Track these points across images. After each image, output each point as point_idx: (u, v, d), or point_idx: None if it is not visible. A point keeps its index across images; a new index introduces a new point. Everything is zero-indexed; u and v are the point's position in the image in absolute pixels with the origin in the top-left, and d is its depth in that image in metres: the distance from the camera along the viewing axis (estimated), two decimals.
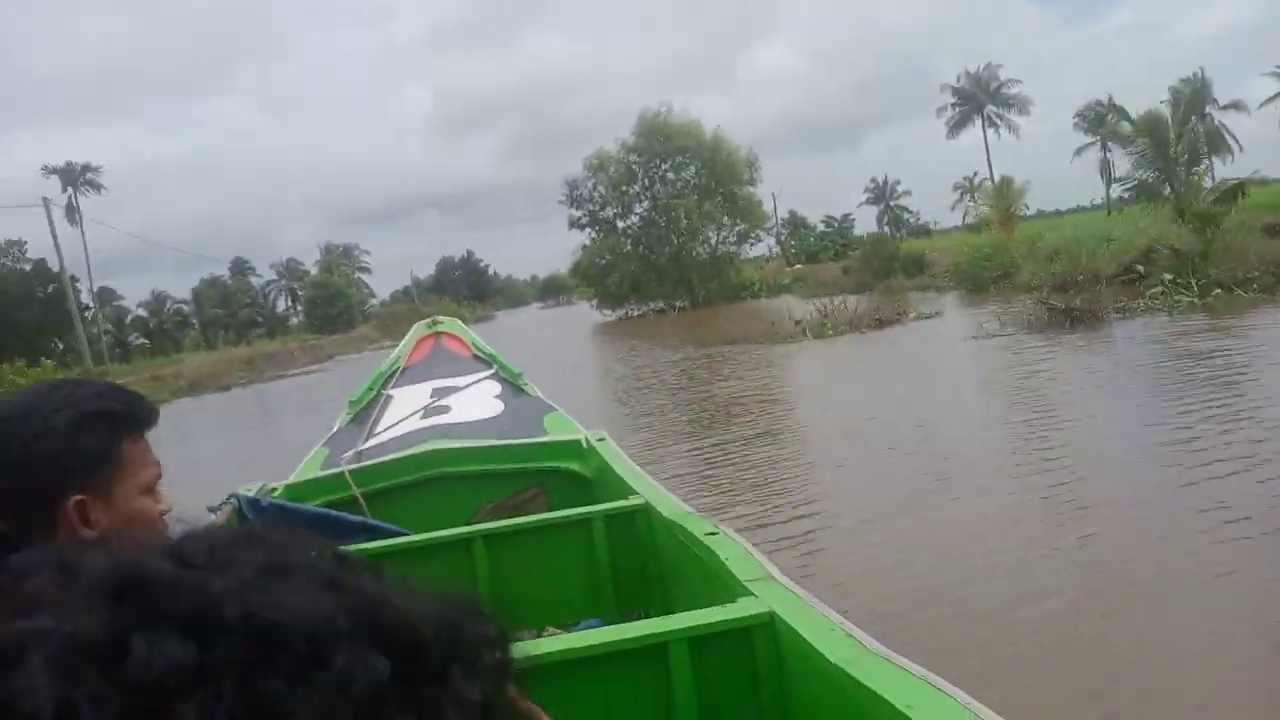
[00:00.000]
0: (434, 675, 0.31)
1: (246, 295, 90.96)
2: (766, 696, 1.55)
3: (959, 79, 70.78)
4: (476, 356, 4.44)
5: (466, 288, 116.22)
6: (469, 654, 0.33)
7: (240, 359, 41.47)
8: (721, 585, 1.78)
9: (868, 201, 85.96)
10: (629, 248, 45.77)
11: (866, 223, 78.49)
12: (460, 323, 5.03)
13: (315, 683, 0.28)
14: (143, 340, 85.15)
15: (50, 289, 43.51)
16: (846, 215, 75.22)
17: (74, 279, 43.85)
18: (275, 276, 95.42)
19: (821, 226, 70.94)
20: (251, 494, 2.85)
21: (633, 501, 2.61)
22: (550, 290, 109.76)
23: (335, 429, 4.00)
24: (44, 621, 0.28)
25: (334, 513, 2.94)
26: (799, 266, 55.35)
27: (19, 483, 1.22)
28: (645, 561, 2.56)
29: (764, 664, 1.55)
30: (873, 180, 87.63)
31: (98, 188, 57.64)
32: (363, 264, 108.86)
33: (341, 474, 3.24)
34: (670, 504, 2.45)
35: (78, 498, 1.23)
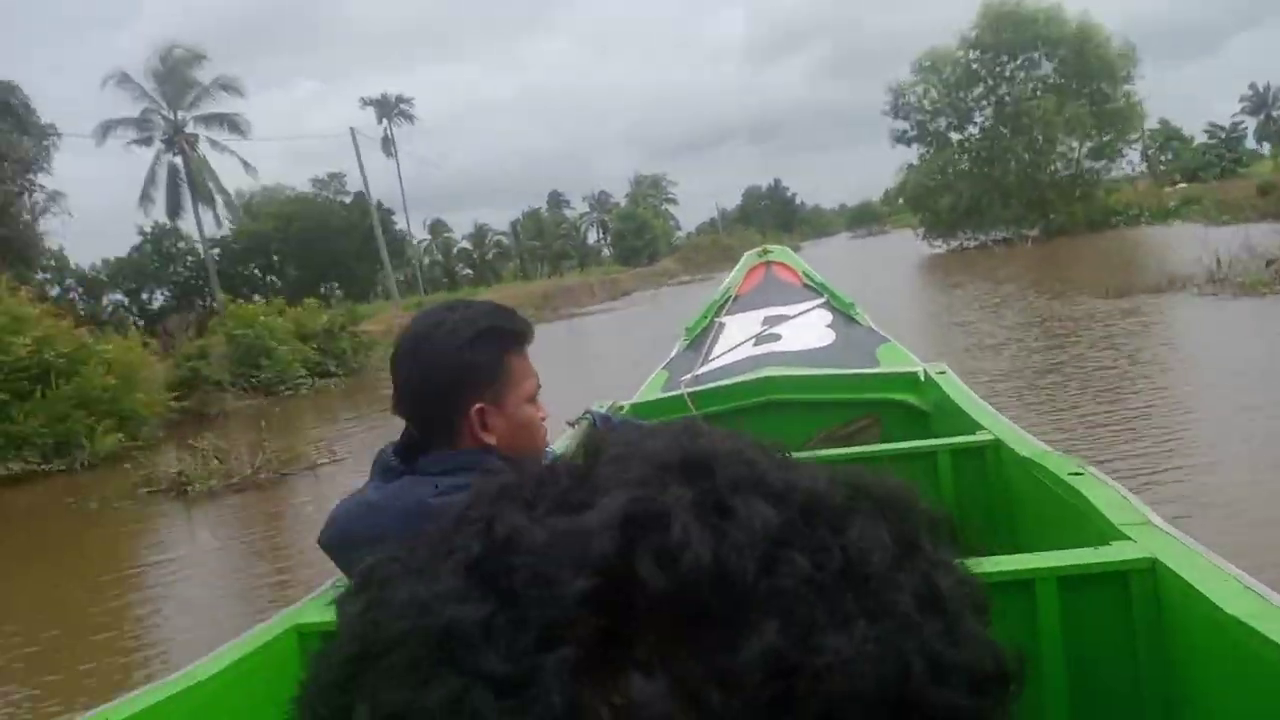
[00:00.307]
0: (914, 542, 0.32)
1: (560, 228, 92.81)
2: (1145, 646, 1.46)
3: None
4: (807, 285, 4.44)
5: (772, 218, 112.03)
6: (934, 524, 0.34)
7: (535, 294, 40.11)
8: (1090, 528, 1.67)
9: (1243, 112, 70.34)
10: (965, 165, 38.10)
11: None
12: (790, 251, 4.96)
13: (849, 543, 0.30)
14: (467, 271, 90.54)
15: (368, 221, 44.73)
16: (1237, 124, 61.65)
17: (388, 210, 44.71)
18: (588, 209, 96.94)
19: (1204, 138, 58.51)
20: (603, 411, 2.86)
21: (981, 436, 2.48)
22: (861, 219, 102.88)
23: (673, 353, 4.18)
24: (654, 490, 0.30)
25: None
26: (1182, 186, 45.16)
27: (429, 392, 1.39)
28: (994, 500, 2.41)
29: (1142, 612, 1.45)
30: (1251, 87, 70.56)
31: (410, 118, 58.17)
32: (670, 195, 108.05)
33: (681, 396, 3.37)
34: (1025, 441, 2.30)
35: (478, 405, 1.38)
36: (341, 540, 1.45)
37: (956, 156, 38.55)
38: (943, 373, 3.22)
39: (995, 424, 2.54)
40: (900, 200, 40.53)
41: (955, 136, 39.40)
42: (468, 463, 1.37)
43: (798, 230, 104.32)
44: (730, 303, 4.40)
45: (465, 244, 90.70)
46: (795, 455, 1.13)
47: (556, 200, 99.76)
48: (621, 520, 0.29)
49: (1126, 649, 1.46)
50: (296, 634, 1.52)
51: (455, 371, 1.38)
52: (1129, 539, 1.52)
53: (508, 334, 1.43)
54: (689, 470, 0.31)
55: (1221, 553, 1.37)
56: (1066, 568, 1.48)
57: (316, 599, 1.64)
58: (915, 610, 0.30)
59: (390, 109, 55.56)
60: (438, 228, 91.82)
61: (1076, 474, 1.88)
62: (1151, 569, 1.43)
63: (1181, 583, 1.34)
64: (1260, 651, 1.14)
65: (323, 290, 43.57)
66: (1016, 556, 1.58)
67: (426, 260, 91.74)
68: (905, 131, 39.83)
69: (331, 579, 1.64)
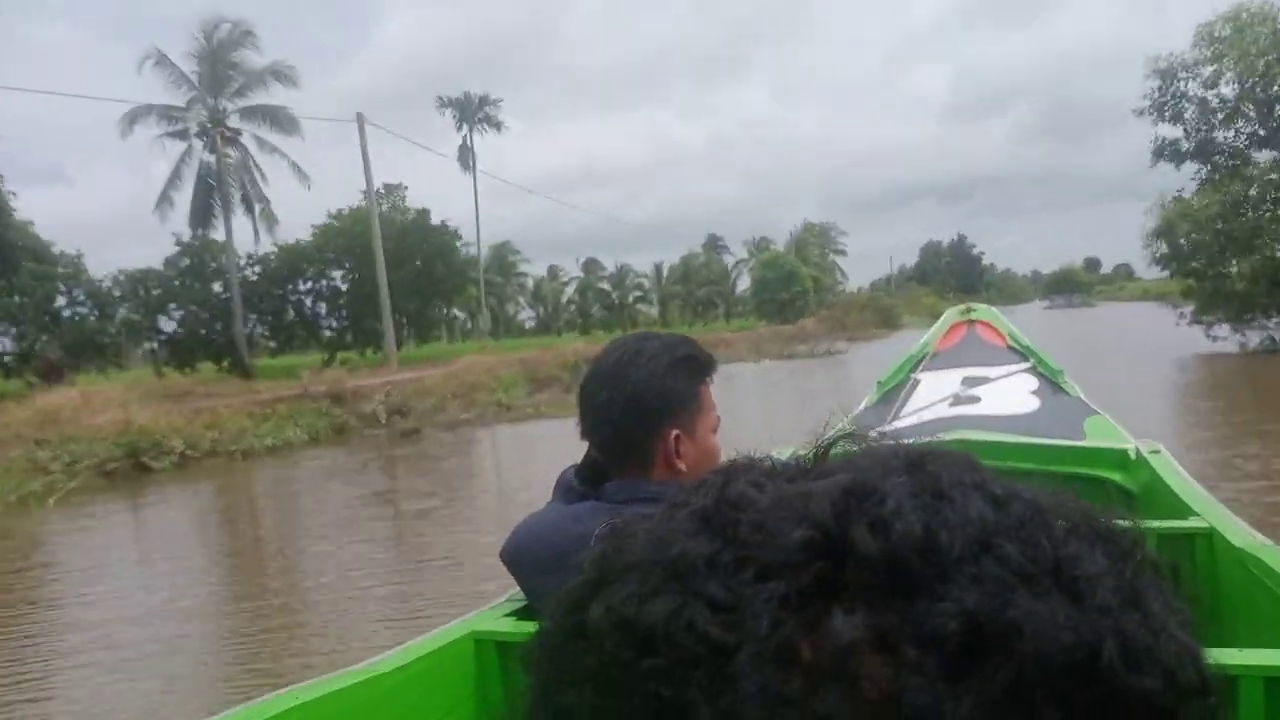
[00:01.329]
0: (1129, 565, 0.33)
1: (709, 273, 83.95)
2: None
3: None
4: (1012, 348, 4.13)
5: (954, 278, 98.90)
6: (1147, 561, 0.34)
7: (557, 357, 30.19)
8: None
9: None
10: (1269, 204, 22.09)
11: None
12: (995, 311, 4.53)
13: (1063, 555, 0.31)
14: (605, 312, 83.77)
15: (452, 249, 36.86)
16: None
17: (453, 232, 36.71)
18: (746, 256, 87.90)
19: None
20: (784, 459, 1.42)
21: (1193, 523, 2.29)
22: (1059, 286, 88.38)
23: (861, 407, 3.95)
24: (875, 474, 0.33)
25: None
26: None
27: (630, 416, 1.40)
28: (1201, 591, 2.23)
29: None
30: None
31: (497, 126, 47.60)
32: (840, 246, 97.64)
33: None
34: (1241, 531, 2.15)
35: (676, 432, 1.41)
36: (519, 556, 1.51)
37: (1255, 186, 22.33)
38: (1156, 452, 2.99)
39: (1210, 511, 2.36)
40: (1158, 252, 24.32)
41: (1259, 156, 23.01)
42: (655, 494, 1.30)
43: (983, 294, 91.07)
44: (928, 359, 4.17)
45: (605, 285, 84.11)
46: None
47: (714, 244, 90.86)
48: (841, 491, 0.32)
49: None
50: (473, 640, 1.55)
51: (658, 397, 1.41)
52: None
53: (702, 363, 1.47)
54: (912, 465, 0.34)
55: None
56: (1275, 667, 1.40)
57: (494, 609, 1.66)
58: (1115, 601, 0.30)
59: (472, 111, 45.83)
60: (590, 266, 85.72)
61: None
62: None
63: None
64: None
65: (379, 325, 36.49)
66: (1222, 650, 1.45)
67: (563, 298, 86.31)
68: (1176, 143, 23.87)
69: (509, 591, 1.67)
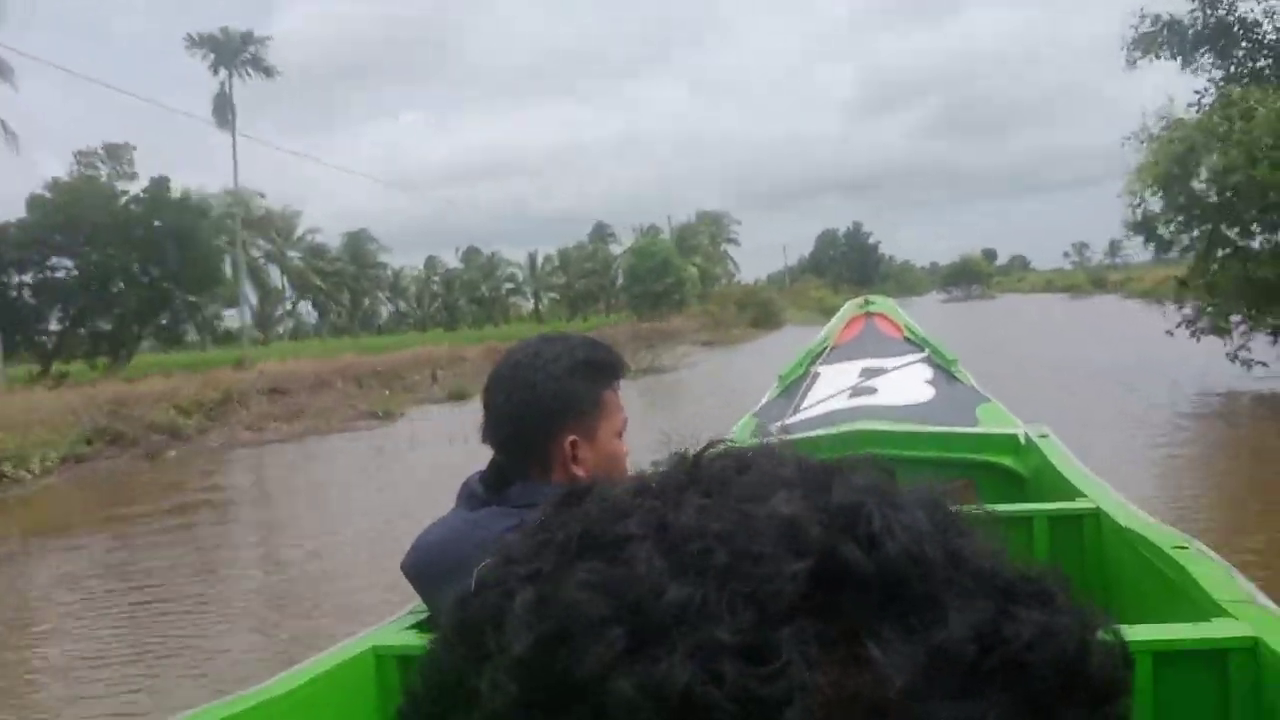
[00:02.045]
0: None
1: (591, 263, 76.45)
2: None
3: None
4: (908, 339, 4.32)
5: (849, 268, 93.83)
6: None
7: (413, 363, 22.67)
8: (1190, 604, 1.64)
9: None
10: None
11: None
12: (893, 303, 4.79)
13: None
14: (474, 306, 75.92)
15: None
16: None
17: (205, 211, 28.01)
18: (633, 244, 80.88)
19: None
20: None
21: (1080, 504, 2.37)
22: (960, 276, 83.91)
23: (764, 401, 4.08)
24: (839, 491, 0.32)
25: None
26: None
27: (527, 420, 1.39)
28: (1089, 571, 2.32)
29: (1241, 693, 1.41)
30: None
31: (266, 71, 35.91)
32: (733, 235, 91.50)
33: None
34: (1128, 512, 2.20)
35: (572, 437, 1.38)
36: (420, 566, 1.48)
37: None
38: (1045, 436, 3.10)
39: (1097, 492, 2.44)
40: (1142, 200, 13.43)
41: None
42: None
43: (880, 286, 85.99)
44: (827, 352, 4.32)
45: (472, 276, 75.96)
46: None
47: (601, 233, 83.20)
48: (821, 509, 0.30)
49: None
50: (374, 656, 1.50)
51: (554, 401, 1.39)
52: (1231, 616, 1.48)
53: (605, 367, 1.45)
54: (831, 476, 0.33)
55: None
56: (1162, 643, 1.45)
57: (395, 622, 1.61)
58: (1068, 601, 0.31)
59: (231, 52, 35.02)
60: (431, 264, 77.29)
61: (1181, 547, 1.85)
62: (1254, 649, 1.41)
63: None
64: None
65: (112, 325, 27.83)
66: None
67: (429, 291, 78.03)
68: (1177, 24, 14.56)
69: (410, 604, 1.63)
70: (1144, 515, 2.15)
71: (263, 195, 60.74)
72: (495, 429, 1.43)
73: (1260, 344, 12.65)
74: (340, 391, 19.44)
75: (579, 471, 1.38)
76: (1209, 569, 1.68)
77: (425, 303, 77.66)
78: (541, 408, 1.38)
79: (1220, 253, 12.99)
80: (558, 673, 0.28)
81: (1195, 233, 12.98)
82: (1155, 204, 13.25)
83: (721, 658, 0.27)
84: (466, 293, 76.13)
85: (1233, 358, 12.72)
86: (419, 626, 1.56)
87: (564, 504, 0.34)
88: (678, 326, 39.06)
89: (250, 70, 35.27)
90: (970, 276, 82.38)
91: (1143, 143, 13.56)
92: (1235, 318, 12.72)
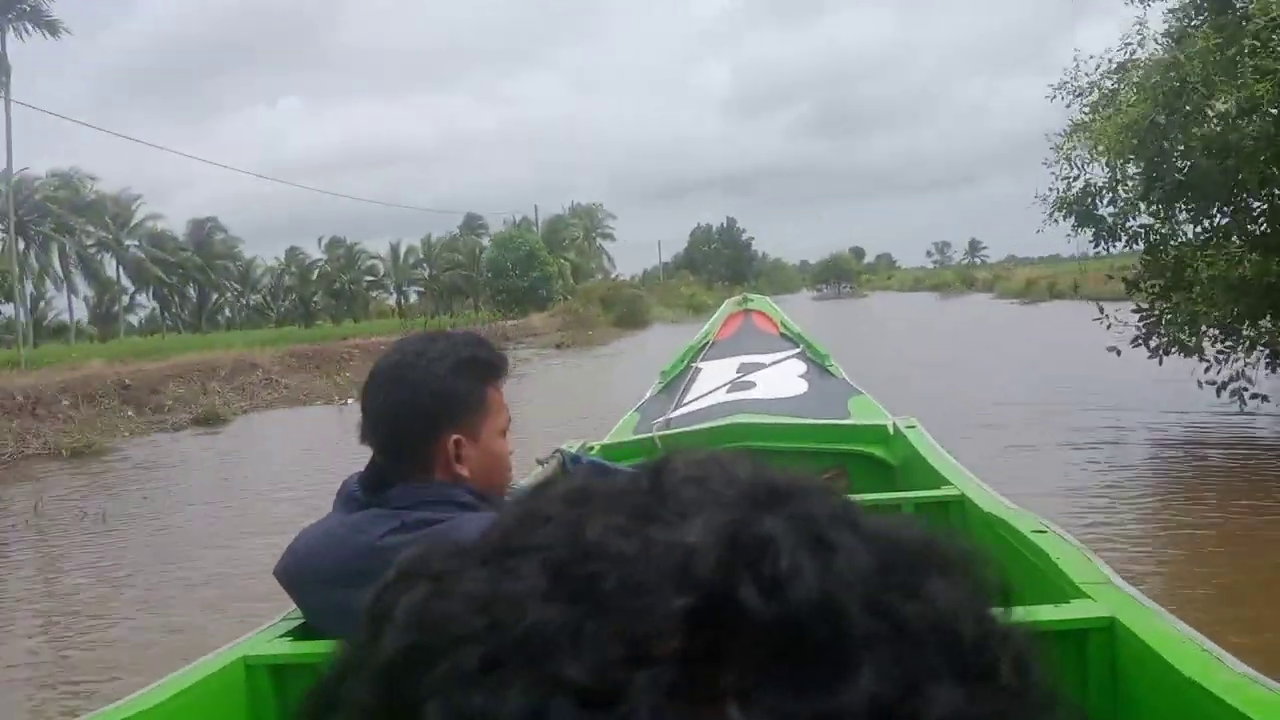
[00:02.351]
0: (990, 607, 0.31)
1: (458, 255, 73.05)
2: (1100, 706, 1.49)
3: None
4: (784, 335, 4.48)
5: (723, 266, 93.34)
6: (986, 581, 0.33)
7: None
8: (1049, 586, 1.69)
9: None
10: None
11: None
12: (769, 300, 5.01)
13: (924, 591, 0.28)
14: (330, 299, 71.39)
15: None
16: None
17: None
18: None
19: None
20: (574, 450, 2.89)
21: (946, 491, 2.50)
22: (830, 273, 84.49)
23: (647, 396, 4.16)
24: (769, 518, 0.28)
25: None
26: None
27: (407, 419, 1.36)
28: None
29: (1099, 671, 1.48)
30: None
31: (51, 28, 30.67)
32: (608, 229, 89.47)
33: (651, 438, 3.39)
34: (989, 497, 2.34)
35: (455, 436, 1.37)
36: (297, 571, 1.45)
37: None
38: (912, 426, 3.24)
39: (961, 479, 2.56)
40: (1080, 172, 9.81)
41: None
42: (438, 496, 1.36)
43: (753, 283, 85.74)
44: (707, 348, 4.43)
45: (330, 268, 71.39)
46: None
47: (472, 225, 79.63)
48: (726, 541, 0.27)
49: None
50: (244, 666, 1.46)
51: (436, 400, 1.36)
52: (1089, 598, 1.53)
53: (488, 365, 1.43)
54: (777, 498, 0.30)
55: None
56: (1025, 625, 1.14)
57: (267, 630, 1.56)
58: (1014, 675, 0.29)
59: (4, 7, 29.72)
60: (291, 255, 72.30)
61: (1039, 531, 1.91)
62: (1110, 628, 1.45)
63: (1139, 643, 1.37)
64: (1214, 715, 1.16)
65: None
66: None
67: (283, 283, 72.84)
68: None
69: (283, 611, 1.59)
70: (1005, 501, 2.26)
71: (94, 179, 55.05)
72: (375, 429, 1.39)
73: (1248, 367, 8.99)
74: (51, 415, 14.56)
75: (462, 471, 1.37)
76: (1067, 552, 1.75)
77: (279, 296, 72.76)
78: (424, 407, 1.36)
79: (1202, 238, 9.10)
80: (409, 686, 0.27)
81: (1152, 210, 9.47)
82: (1097, 174, 9.65)
83: (557, 695, 0.25)
84: (324, 286, 71.54)
85: (1221, 388, 8.98)
86: (292, 635, 1.51)
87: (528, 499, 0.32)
88: (536, 325, 36.55)
89: (29, 27, 30.59)
90: (840, 274, 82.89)
91: (1077, 96, 9.80)
92: (1215, 331, 8.96)
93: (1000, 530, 2.04)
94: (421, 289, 74.03)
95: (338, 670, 0.29)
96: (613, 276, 78.11)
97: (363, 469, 1.44)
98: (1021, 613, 0.88)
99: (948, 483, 2.52)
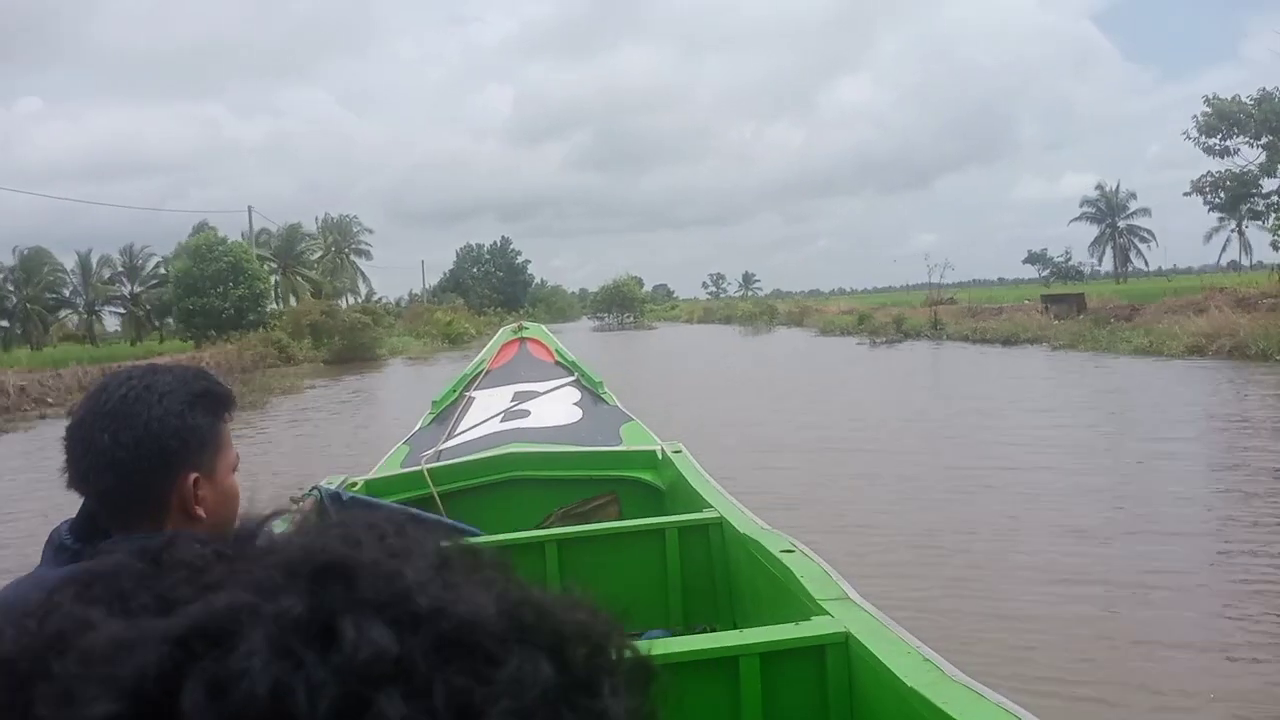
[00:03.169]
0: (585, 683, 0.29)
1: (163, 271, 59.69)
2: (837, 717, 1.52)
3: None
4: (559, 363, 4.46)
5: (495, 289, 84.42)
6: (616, 663, 0.30)
7: None
8: (795, 603, 1.76)
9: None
10: None
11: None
12: (544, 329, 4.97)
13: (496, 682, 0.26)
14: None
15: None
16: None
17: None
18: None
19: None
20: (333, 487, 2.91)
21: (706, 515, 2.64)
22: (611, 301, 77.46)
23: (417, 428, 4.11)
24: (249, 597, 0.25)
25: (411, 509, 2.88)
26: None
27: (140, 461, 1.24)
28: (716, 575, 2.58)
29: (836, 684, 1.52)
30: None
31: None
32: (363, 245, 78.46)
33: (420, 472, 3.34)
34: (745, 519, 2.48)
35: (194, 475, 1.27)
36: None
37: None
38: (678, 451, 3.33)
39: (721, 502, 2.69)
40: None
41: None
42: None
43: (528, 310, 77.28)
44: (482, 376, 4.37)
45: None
46: (536, 533, 2.69)
47: (202, 231, 65.77)
48: (184, 633, 0.24)
49: None
50: None
51: (176, 438, 1.26)
52: (827, 614, 1.59)
53: (222, 399, 1.35)
54: (320, 577, 0.27)
55: None
56: (770, 643, 1.54)
57: None
58: None
59: None
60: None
61: (788, 551, 1.99)
62: (845, 643, 1.51)
63: (870, 656, 1.43)
64: None
65: None
66: (721, 634, 1.70)
67: None
68: None
69: None
70: (760, 522, 2.40)
71: None
72: (96, 474, 1.25)
73: None
74: None
75: (200, 512, 1.28)
76: (811, 569, 1.84)
77: None
78: (161, 446, 1.25)
79: None
80: None
81: None
82: None
83: None
84: None
85: None
86: None
87: (139, 556, 0.29)
88: (225, 360, 26.10)
89: None
90: (623, 302, 76.13)
91: None
92: None
93: (753, 550, 2.20)
94: (121, 309, 60.23)
95: None
96: (376, 300, 67.55)
97: (73, 516, 1.33)
98: (764, 632, 1.52)
99: (709, 505, 2.70)
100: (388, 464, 3.60)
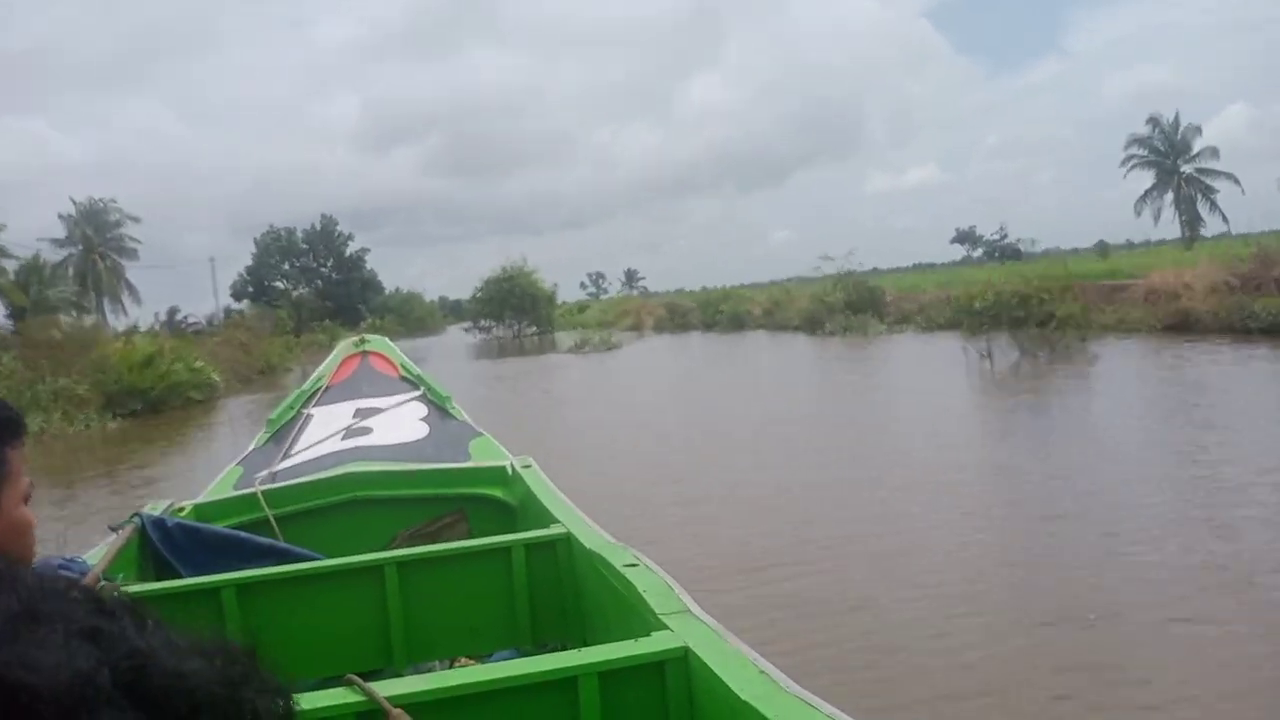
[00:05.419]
0: None
1: None
2: None
3: None
4: (404, 377, 4.29)
5: (320, 291, 58.90)
6: (247, 717, 0.28)
7: None
8: (637, 618, 1.76)
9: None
10: None
11: None
12: (389, 342, 4.71)
13: None
14: None
15: None
16: None
17: None
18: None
19: None
20: (157, 513, 2.78)
21: (554, 530, 2.56)
22: (500, 304, 52.76)
23: (251, 447, 3.85)
24: None
25: (243, 534, 2.84)
26: None
27: None
28: (564, 592, 2.53)
29: (675, 700, 1.53)
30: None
31: None
32: (131, 241, 52.84)
33: (254, 494, 3.19)
34: (592, 534, 2.43)
35: None
36: None
37: None
38: (528, 466, 3.21)
39: (569, 517, 2.59)
40: None
41: None
42: None
43: (373, 323, 52.84)
44: (321, 393, 4.11)
45: None
46: (375, 556, 2.27)
47: None
48: None
49: None
50: None
51: None
52: (667, 628, 1.57)
53: (10, 423, 1.23)
54: None
55: None
56: (609, 661, 1.50)
57: None
58: None
59: None
60: None
61: (632, 565, 1.94)
62: (684, 658, 1.50)
63: (707, 670, 1.43)
64: None
65: None
66: (562, 654, 1.64)
67: None
68: None
69: None
70: (605, 536, 2.33)
71: None
72: None
73: None
74: None
75: None
76: (653, 583, 1.81)
77: None
78: None
79: None
80: None
81: None
82: None
83: None
84: None
85: None
86: None
87: None
88: None
89: None
90: (518, 303, 51.27)
91: None
92: None
93: (599, 565, 2.11)
94: None
95: None
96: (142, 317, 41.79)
97: None
98: (604, 650, 1.43)
99: (557, 521, 2.59)
100: (219, 487, 3.34)
